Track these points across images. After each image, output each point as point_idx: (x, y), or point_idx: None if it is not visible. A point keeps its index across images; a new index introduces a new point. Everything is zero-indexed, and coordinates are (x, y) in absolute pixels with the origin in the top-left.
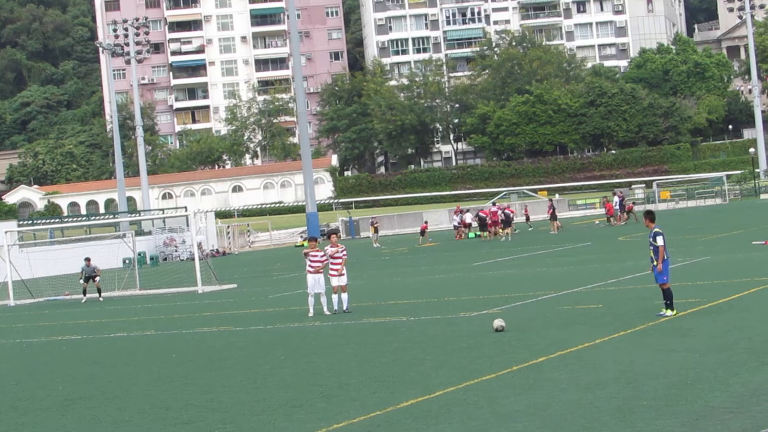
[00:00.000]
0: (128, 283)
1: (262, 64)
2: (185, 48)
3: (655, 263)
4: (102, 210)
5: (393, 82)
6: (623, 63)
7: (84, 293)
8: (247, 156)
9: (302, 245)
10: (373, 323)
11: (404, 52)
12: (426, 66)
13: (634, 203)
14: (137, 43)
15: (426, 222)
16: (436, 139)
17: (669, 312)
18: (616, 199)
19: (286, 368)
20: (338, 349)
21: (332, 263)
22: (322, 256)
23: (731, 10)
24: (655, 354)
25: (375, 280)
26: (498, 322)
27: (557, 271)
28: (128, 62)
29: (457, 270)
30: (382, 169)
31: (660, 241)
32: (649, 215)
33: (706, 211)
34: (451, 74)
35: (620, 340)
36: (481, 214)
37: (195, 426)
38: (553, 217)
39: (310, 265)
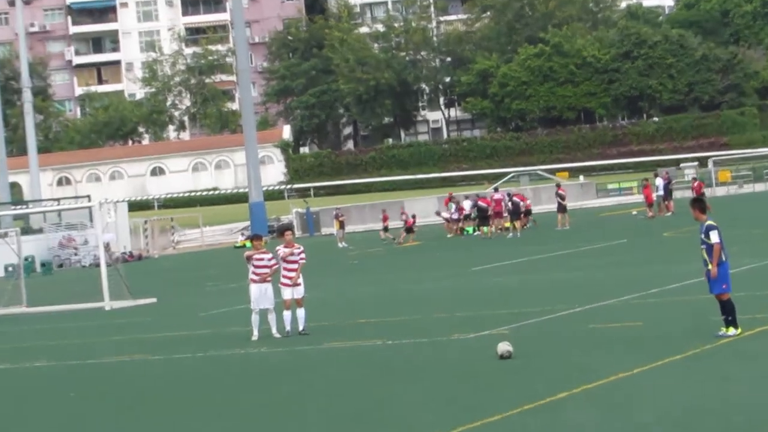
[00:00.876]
0: (12, 297)
1: (190, 5)
2: None
3: (709, 267)
4: None
5: (364, 29)
6: (668, 2)
7: None
8: (171, 128)
9: (244, 246)
10: (338, 348)
11: None
12: (408, 7)
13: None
14: None
15: (413, 216)
16: (421, 105)
17: (731, 330)
18: (659, 181)
19: (222, 409)
20: (292, 382)
21: (285, 269)
22: (270, 260)
23: None
24: (712, 386)
25: (341, 291)
26: (503, 347)
27: (582, 278)
28: (12, 3)
29: (450, 277)
30: (350, 145)
31: (714, 237)
32: (699, 204)
33: None
34: (441, 18)
35: (666, 369)
36: (481, 203)
37: None
38: (561, 208)
39: (254, 273)
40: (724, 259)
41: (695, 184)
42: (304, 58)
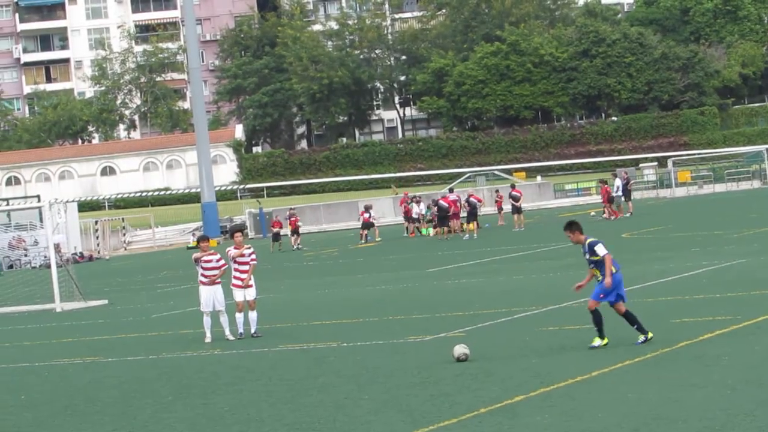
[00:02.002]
0: None
1: (140, 2)
2: None
3: (600, 279)
4: None
5: (317, 27)
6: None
7: None
8: (122, 127)
9: (195, 247)
10: (293, 351)
11: None
12: (361, 4)
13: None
14: None
15: (370, 216)
16: (376, 103)
17: (597, 341)
18: (617, 182)
19: (174, 413)
20: (245, 385)
21: (236, 270)
22: (218, 261)
23: None
24: (671, 391)
25: (295, 292)
26: (460, 349)
27: (539, 280)
28: None
29: (406, 279)
30: (304, 144)
31: (601, 249)
32: (575, 227)
33: (740, 198)
34: (395, 15)
35: (624, 373)
36: (441, 202)
37: None
38: (516, 209)
39: (203, 275)
40: (614, 270)
41: (602, 189)
42: (256, 56)
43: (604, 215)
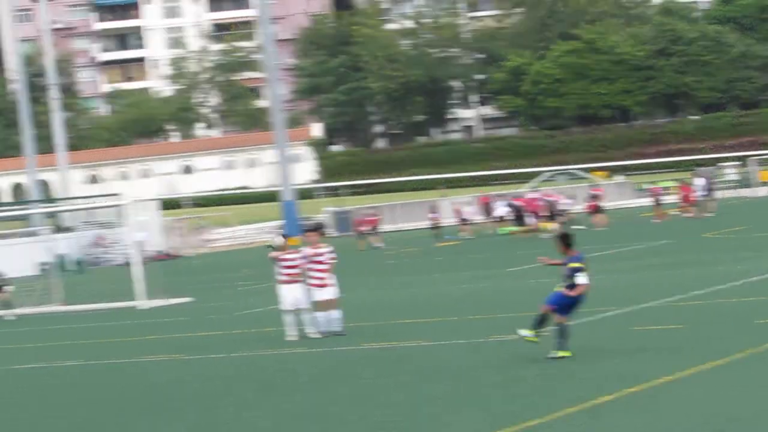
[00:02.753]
0: (46, 295)
1: (216, 1)
2: None
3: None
4: (6, 198)
5: (393, 26)
6: None
7: None
8: (200, 125)
9: (272, 246)
10: (374, 350)
11: None
12: (437, 3)
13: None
14: None
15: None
16: (453, 102)
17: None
18: (699, 182)
19: (256, 411)
20: (328, 384)
21: (313, 270)
22: (297, 260)
23: None
24: (756, 392)
25: (376, 291)
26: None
27: (620, 280)
28: None
29: (486, 278)
30: (381, 143)
31: (582, 279)
32: (567, 240)
33: None
34: (471, 14)
35: (708, 374)
36: (515, 202)
37: None
38: (597, 209)
39: (283, 273)
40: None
41: (682, 187)
42: (332, 54)
43: (688, 213)
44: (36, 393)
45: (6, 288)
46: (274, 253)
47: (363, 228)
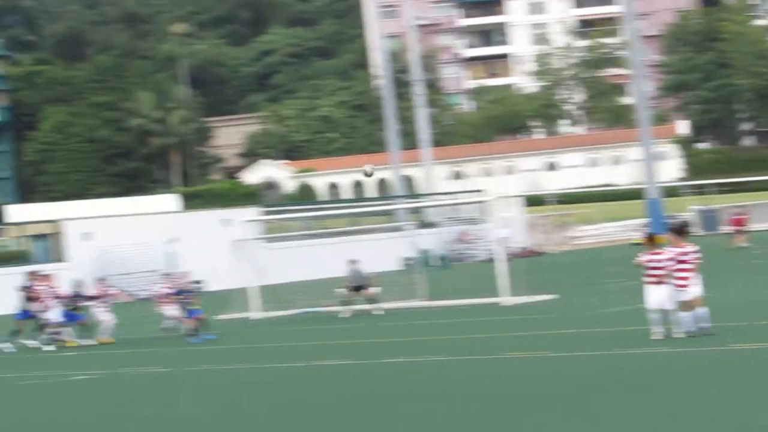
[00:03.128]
0: (410, 290)
1: None
2: None
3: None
4: (370, 193)
5: (761, 22)
6: None
7: (346, 305)
8: (564, 122)
9: (639, 244)
10: (743, 350)
11: None
12: None
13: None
14: None
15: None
16: None
17: None
18: None
19: (624, 410)
20: (695, 384)
21: (678, 270)
22: (663, 261)
23: None
24: None
25: (745, 291)
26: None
27: None
28: None
29: None
30: (749, 140)
31: None
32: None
33: None
34: None
35: None
36: None
37: None
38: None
39: (649, 274)
40: None
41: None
42: (698, 51)
43: None
44: (411, 388)
45: (371, 289)
46: (639, 260)
47: (737, 227)
